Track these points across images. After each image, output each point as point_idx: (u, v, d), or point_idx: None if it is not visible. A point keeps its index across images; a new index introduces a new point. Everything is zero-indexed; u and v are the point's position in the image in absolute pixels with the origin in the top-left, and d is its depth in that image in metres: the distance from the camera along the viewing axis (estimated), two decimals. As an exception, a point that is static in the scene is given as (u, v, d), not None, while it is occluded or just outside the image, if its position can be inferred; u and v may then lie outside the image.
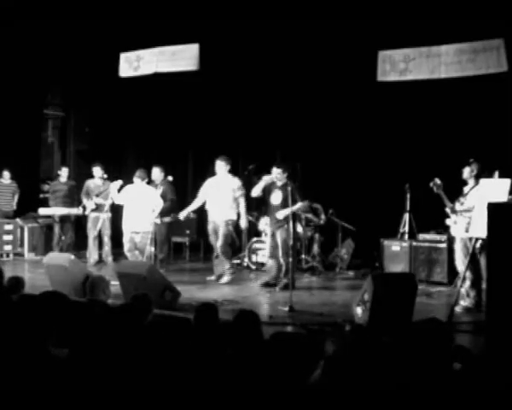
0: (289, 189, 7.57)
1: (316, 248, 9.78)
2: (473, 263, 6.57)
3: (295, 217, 7.96)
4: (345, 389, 2.83)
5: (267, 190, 8.13)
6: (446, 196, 6.90)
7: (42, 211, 10.56)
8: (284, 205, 7.84)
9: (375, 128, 9.84)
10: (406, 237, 8.93)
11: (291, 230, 7.55)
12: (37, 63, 11.71)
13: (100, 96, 12.16)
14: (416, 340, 3.14)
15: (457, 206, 6.85)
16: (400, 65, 9.26)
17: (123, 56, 11.28)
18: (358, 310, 5.81)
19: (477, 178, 6.78)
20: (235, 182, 8.58)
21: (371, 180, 9.75)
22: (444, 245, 8.17)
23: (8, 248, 10.67)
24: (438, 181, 6.89)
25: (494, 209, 4.93)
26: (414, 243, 8.56)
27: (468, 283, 6.64)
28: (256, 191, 8.19)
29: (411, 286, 5.90)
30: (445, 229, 7.90)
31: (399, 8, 8.92)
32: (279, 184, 8.04)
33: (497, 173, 6.25)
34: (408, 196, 8.79)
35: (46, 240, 10.92)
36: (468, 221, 6.63)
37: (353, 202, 9.78)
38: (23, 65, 11.47)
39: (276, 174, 8.01)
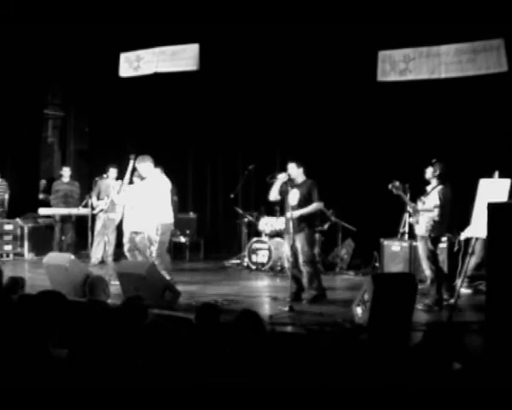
0: (308, 186, 7.18)
1: (316, 249, 9.77)
2: (434, 262, 6.80)
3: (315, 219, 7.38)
4: (344, 387, 2.83)
5: (284, 191, 7.31)
6: (407, 196, 6.99)
7: (42, 211, 10.55)
8: (303, 205, 7.17)
9: (375, 128, 9.84)
10: (406, 237, 8.92)
11: (316, 234, 7.13)
12: (38, 63, 11.72)
13: (100, 96, 12.17)
14: (425, 343, 3.15)
15: (419, 205, 6.91)
16: (400, 65, 9.27)
17: (123, 56, 11.29)
18: (358, 310, 5.81)
19: (440, 178, 6.84)
20: (167, 181, 8.01)
21: (371, 180, 9.73)
22: (444, 245, 8.16)
23: (8, 248, 10.67)
24: (397, 183, 7.00)
25: (494, 209, 4.93)
26: (414, 243, 8.54)
27: (428, 281, 6.82)
28: (273, 195, 7.37)
29: (411, 286, 5.90)
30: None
31: (399, 8, 8.93)
32: (297, 181, 7.30)
33: (497, 173, 6.26)
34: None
35: (46, 240, 10.91)
36: (428, 221, 6.77)
37: (353, 202, 9.78)
38: (23, 65, 11.48)
39: (291, 169, 7.28)
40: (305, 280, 7.18)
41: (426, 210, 6.79)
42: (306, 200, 7.19)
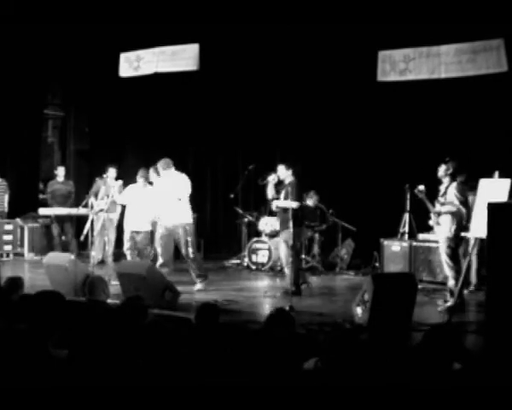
0: (290, 185, 7.48)
1: (316, 249, 9.78)
2: (457, 262, 6.69)
3: (298, 217, 7.54)
4: (344, 387, 2.83)
5: (279, 191, 7.78)
6: (429, 200, 6.94)
7: (42, 211, 10.55)
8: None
9: (375, 128, 9.84)
10: (406, 237, 8.92)
11: (299, 232, 7.34)
12: (38, 63, 11.71)
13: (100, 96, 12.17)
14: (425, 343, 3.15)
15: (438, 207, 6.86)
16: (400, 65, 9.27)
17: (123, 56, 11.29)
18: (358, 310, 5.81)
19: (453, 176, 6.78)
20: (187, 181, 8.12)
21: (371, 180, 9.75)
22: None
23: (8, 248, 10.66)
24: (421, 187, 6.96)
25: (494, 209, 4.93)
26: (414, 243, 8.55)
27: (452, 282, 6.70)
28: (270, 193, 7.82)
29: (411, 286, 5.90)
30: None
31: (399, 8, 8.93)
32: (285, 182, 7.71)
33: (497, 173, 6.25)
34: (408, 196, 8.78)
35: (46, 240, 10.91)
36: (451, 219, 6.68)
37: (353, 202, 9.78)
38: (23, 65, 11.47)
39: (280, 171, 7.70)
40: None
41: (448, 211, 6.70)
42: (287, 198, 7.52)
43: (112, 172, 9.79)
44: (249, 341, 3.71)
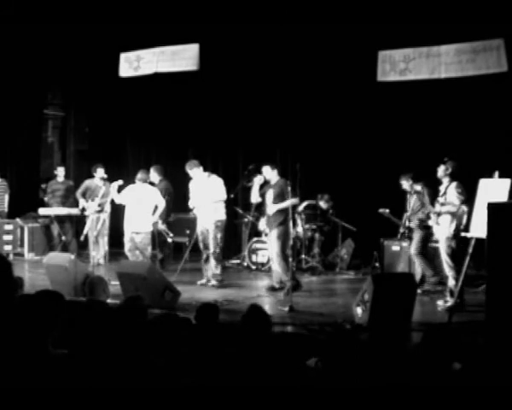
0: (280, 185, 7.63)
1: (316, 249, 9.78)
2: (458, 262, 6.67)
3: (289, 216, 7.64)
4: (344, 387, 2.83)
5: (264, 193, 7.97)
6: (429, 200, 6.95)
7: (42, 211, 10.55)
8: (276, 203, 7.71)
9: (375, 128, 9.84)
10: (406, 236, 8.91)
11: (290, 230, 7.44)
12: (38, 63, 11.72)
13: (100, 96, 12.17)
14: (424, 343, 3.15)
15: (437, 207, 6.85)
16: (400, 65, 9.28)
17: (123, 56, 11.29)
18: (358, 310, 5.82)
19: (452, 176, 6.81)
20: (220, 182, 8.40)
21: (371, 180, 9.74)
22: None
23: (8, 248, 10.65)
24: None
25: (494, 209, 4.93)
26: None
27: (452, 282, 6.70)
28: (254, 197, 8.04)
29: (411, 286, 5.91)
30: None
31: (400, 8, 8.93)
32: (272, 182, 7.88)
33: (497, 173, 6.25)
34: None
35: (46, 240, 10.91)
36: (451, 219, 6.69)
37: (353, 202, 9.78)
38: (23, 65, 11.48)
39: (265, 172, 7.88)
40: (279, 275, 7.67)
41: (447, 211, 6.72)
42: (280, 198, 7.65)
43: (100, 172, 9.82)
44: (250, 341, 3.71)
